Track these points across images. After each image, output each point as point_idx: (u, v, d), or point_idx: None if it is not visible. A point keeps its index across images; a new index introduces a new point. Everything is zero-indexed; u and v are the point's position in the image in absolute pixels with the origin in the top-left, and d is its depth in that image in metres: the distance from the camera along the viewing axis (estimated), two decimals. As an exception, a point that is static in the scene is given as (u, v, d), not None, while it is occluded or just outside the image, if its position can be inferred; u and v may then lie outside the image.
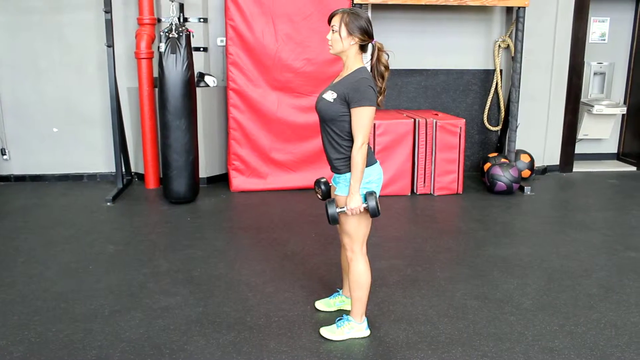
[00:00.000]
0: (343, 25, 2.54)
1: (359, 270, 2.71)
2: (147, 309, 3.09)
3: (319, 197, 2.90)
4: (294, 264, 3.71)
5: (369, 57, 2.65)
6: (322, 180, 2.90)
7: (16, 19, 5.52)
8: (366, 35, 2.58)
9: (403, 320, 2.99)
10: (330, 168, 2.72)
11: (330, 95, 2.58)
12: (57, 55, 5.64)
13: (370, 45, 2.64)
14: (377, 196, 2.63)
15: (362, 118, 2.51)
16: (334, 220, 2.62)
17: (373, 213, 2.60)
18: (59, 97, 5.73)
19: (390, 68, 2.68)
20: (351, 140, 2.57)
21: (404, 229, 4.51)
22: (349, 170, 2.60)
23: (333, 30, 2.58)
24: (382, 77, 2.64)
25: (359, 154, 2.51)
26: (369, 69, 2.64)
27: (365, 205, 2.59)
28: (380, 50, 2.64)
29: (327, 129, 2.63)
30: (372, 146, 5.17)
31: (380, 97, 2.64)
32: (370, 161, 2.64)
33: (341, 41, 2.56)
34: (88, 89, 5.74)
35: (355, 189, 2.56)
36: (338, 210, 2.62)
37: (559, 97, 6.27)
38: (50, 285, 3.37)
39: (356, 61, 2.61)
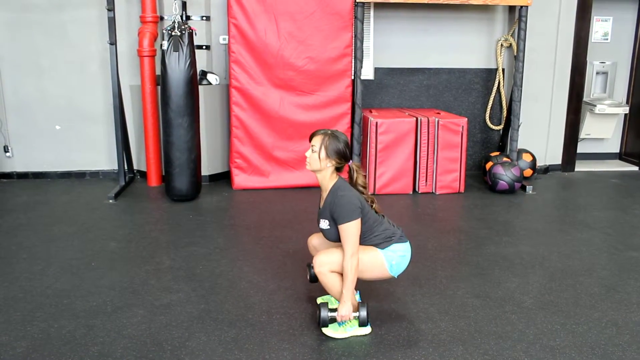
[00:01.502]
0: (323, 147, 2.73)
1: (329, 280, 2.75)
2: (149, 305, 3.10)
3: (308, 279, 3.06)
4: (296, 262, 3.72)
5: (348, 178, 2.85)
6: (312, 265, 3.00)
7: (19, 16, 5.53)
8: (343, 159, 2.77)
9: (404, 318, 3.00)
10: None
11: (325, 225, 2.78)
12: (60, 52, 5.65)
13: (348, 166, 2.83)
14: (404, 269, 2.82)
15: (348, 233, 2.67)
16: (325, 325, 2.74)
17: (362, 323, 2.75)
18: (62, 95, 5.74)
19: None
20: (366, 236, 2.74)
21: (405, 228, 4.47)
22: (386, 245, 2.76)
23: (313, 150, 2.75)
24: (362, 194, 2.81)
25: (348, 263, 2.65)
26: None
27: (356, 315, 2.73)
28: (357, 172, 2.83)
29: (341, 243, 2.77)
30: (373, 145, 5.21)
31: (374, 206, 2.84)
32: (400, 239, 2.83)
33: (319, 161, 2.74)
34: (90, 87, 5.75)
35: (347, 297, 2.68)
36: (330, 315, 2.72)
37: (561, 96, 6.27)
38: (52, 282, 3.38)
39: (331, 180, 2.80)
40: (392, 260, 2.78)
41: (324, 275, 2.73)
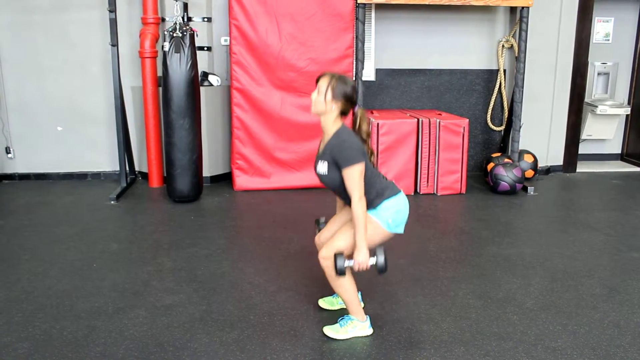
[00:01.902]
0: (330, 88, 2.62)
1: (334, 275, 2.71)
2: (150, 306, 3.10)
3: (317, 233, 3.00)
4: (297, 263, 3.72)
5: (352, 123, 2.75)
6: (321, 220, 2.99)
7: (21, 18, 5.54)
8: (349, 102, 2.65)
9: (406, 319, 3.00)
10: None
11: (323, 168, 2.67)
12: (62, 54, 5.66)
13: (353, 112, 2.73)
14: (404, 225, 2.72)
15: (353, 177, 2.57)
16: (342, 274, 2.63)
17: (381, 269, 2.62)
18: (63, 96, 5.75)
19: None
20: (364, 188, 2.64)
21: (407, 228, 4.47)
22: (377, 204, 2.67)
23: (319, 92, 2.65)
24: (364, 142, 2.72)
25: (358, 207, 2.56)
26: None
27: (373, 261, 2.60)
28: (362, 118, 2.72)
29: (340, 191, 2.70)
30: (375, 146, 5.21)
31: (371, 158, 2.75)
32: (393, 191, 2.71)
33: (325, 104, 2.63)
34: (92, 88, 5.76)
35: (361, 243, 2.58)
36: (346, 264, 2.62)
37: (562, 97, 6.27)
38: (54, 283, 3.39)
39: (335, 124, 2.68)
40: (387, 219, 2.69)
41: (330, 269, 2.68)
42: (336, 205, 3.03)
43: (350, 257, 2.65)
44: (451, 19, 5.95)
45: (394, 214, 2.70)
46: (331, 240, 2.73)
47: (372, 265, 2.62)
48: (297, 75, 5.37)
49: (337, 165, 2.61)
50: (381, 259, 2.60)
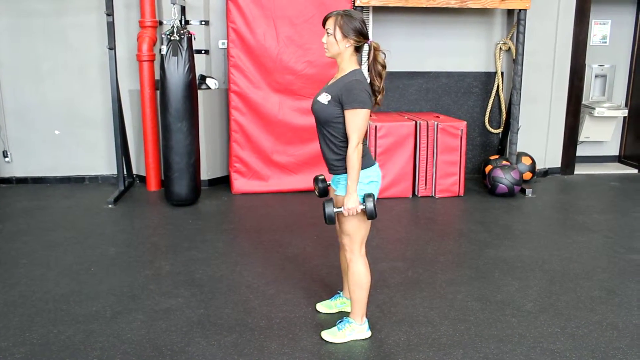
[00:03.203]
0: (337, 27, 2.55)
1: (358, 271, 2.71)
2: (148, 310, 3.09)
3: (316, 194, 2.93)
4: (295, 266, 3.71)
5: (366, 58, 2.65)
6: (320, 177, 2.93)
7: (18, 21, 5.54)
8: (361, 36, 2.58)
9: (404, 322, 2.99)
10: (328, 169, 2.72)
11: (324, 98, 2.59)
12: (59, 57, 5.66)
13: (366, 46, 2.64)
14: (376, 197, 2.63)
15: (356, 119, 2.51)
16: (331, 220, 2.61)
17: (370, 215, 2.59)
18: (61, 100, 5.74)
19: (390, 70, 2.69)
20: (347, 141, 2.57)
21: (405, 231, 4.51)
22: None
23: (328, 34, 2.58)
24: (380, 76, 2.64)
25: (354, 154, 2.51)
26: (366, 69, 2.64)
27: (363, 206, 2.58)
28: (376, 49, 2.64)
29: (324, 131, 2.64)
30: (373, 149, 5.21)
31: (379, 97, 2.65)
32: (368, 162, 2.65)
33: (337, 44, 2.56)
34: (90, 92, 5.75)
35: (352, 189, 2.55)
36: (335, 210, 2.61)
37: (560, 99, 6.27)
38: (51, 287, 3.38)
39: (351, 63, 2.62)
40: (362, 193, 2.60)
41: (353, 263, 2.70)
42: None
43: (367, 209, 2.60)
44: (449, 21, 5.96)
45: (366, 185, 2.64)
46: (342, 229, 2.72)
47: (362, 210, 2.60)
48: (295, 78, 5.37)
49: (340, 103, 2.54)
50: (370, 205, 2.57)
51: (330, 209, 2.59)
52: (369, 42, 2.64)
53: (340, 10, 2.60)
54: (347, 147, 2.57)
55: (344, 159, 2.61)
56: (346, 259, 2.75)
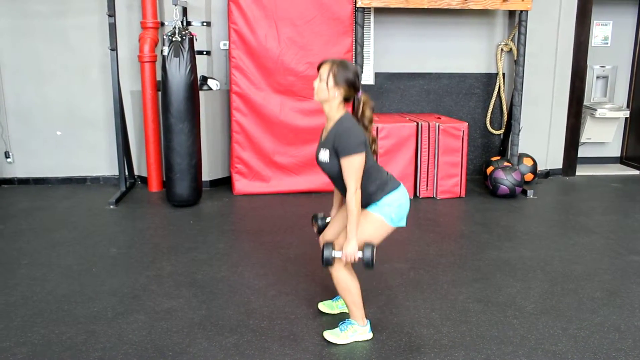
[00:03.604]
0: (331, 75, 2.59)
1: (343, 278, 2.71)
2: (150, 311, 3.09)
3: (315, 231, 3.00)
4: (297, 267, 3.71)
5: (355, 109, 2.72)
6: (319, 215, 2.98)
7: (20, 23, 5.55)
8: (352, 88, 2.62)
9: (406, 323, 2.99)
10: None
11: (325, 156, 2.64)
12: (61, 58, 5.66)
13: (355, 98, 2.69)
14: (405, 217, 2.69)
15: (351, 167, 2.55)
16: (328, 263, 2.63)
17: (367, 264, 2.60)
18: (63, 101, 5.75)
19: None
20: (365, 180, 2.61)
21: (406, 233, 4.49)
22: (378, 198, 2.65)
23: (320, 79, 2.62)
24: (367, 129, 2.69)
25: (352, 199, 2.55)
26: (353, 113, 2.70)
27: (360, 255, 2.60)
28: (365, 104, 2.69)
29: (338, 182, 2.68)
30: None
31: (374, 146, 2.72)
32: (393, 185, 2.70)
33: (327, 90, 2.60)
34: (91, 93, 5.76)
35: (352, 234, 2.57)
36: (334, 254, 2.62)
37: (561, 100, 6.27)
38: (53, 288, 3.38)
39: (338, 111, 2.65)
40: (390, 214, 2.66)
41: (336, 271, 2.68)
42: (333, 202, 3.00)
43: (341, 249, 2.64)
44: (450, 22, 5.96)
45: (396, 208, 2.68)
46: (337, 242, 2.71)
47: (359, 259, 2.61)
48: (297, 80, 5.37)
49: (337, 154, 2.58)
50: (368, 253, 2.58)
51: (329, 253, 2.61)
52: (359, 95, 2.68)
53: (337, 59, 2.65)
54: (366, 184, 2.62)
55: (368, 195, 2.64)
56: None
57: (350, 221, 2.56)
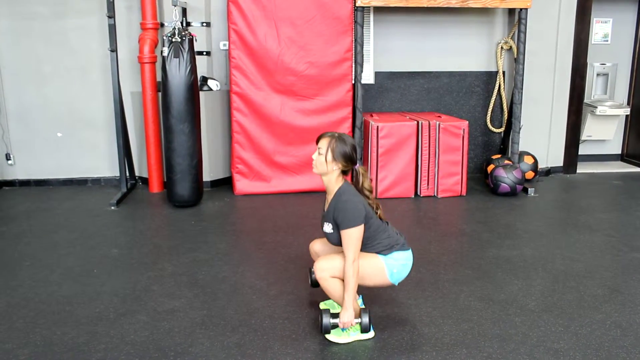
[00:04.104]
0: (330, 150, 2.69)
1: (333, 285, 2.73)
2: (151, 311, 3.10)
3: (310, 285, 3.11)
4: (298, 267, 3.71)
5: (354, 180, 2.83)
6: (313, 269, 3.00)
7: (20, 24, 5.55)
8: (349, 162, 2.73)
9: (407, 321, 2.99)
10: None
11: (329, 228, 2.76)
12: (61, 60, 5.67)
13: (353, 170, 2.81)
14: (405, 276, 2.81)
15: (350, 238, 2.65)
16: (327, 331, 2.73)
17: (364, 329, 2.72)
18: (63, 102, 5.75)
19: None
20: (371, 243, 2.72)
21: (407, 231, 4.49)
22: (388, 251, 2.75)
23: (319, 152, 2.72)
24: (367, 198, 2.79)
25: (350, 269, 2.63)
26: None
27: (358, 321, 2.71)
28: (363, 175, 2.79)
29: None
30: (375, 149, 5.21)
31: (379, 212, 2.82)
32: (404, 247, 2.82)
33: (326, 164, 2.71)
34: (92, 94, 5.76)
35: (348, 304, 2.66)
36: (332, 321, 2.71)
37: (562, 98, 6.27)
38: (55, 289, 3.38)
39: (337, 183, 2.76)
40: (393, 268, 2.77)
41: (325, 280, 2.72)
42: None
43: (336, 315, 2.73)
44: (450, 21, 5.96)
45: (400, 266, 2.78)
46: (332, 257, 2.75)
47: (356, 324, 2.72)
48: (297, 79, 5.37)
49: (337, 226, 2.69)
50: (365, 319, 2.71)
51: (327, 320, 2.71)
52: (355, 167, 2.78)
53: (336, 133, 2.76)
54: (372, 246, 2.73)
55: (375, 249, 2.74)
56: (316, 276, 2.76)
57: (347, 291, 2.65)
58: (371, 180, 2.87)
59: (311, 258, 3.14)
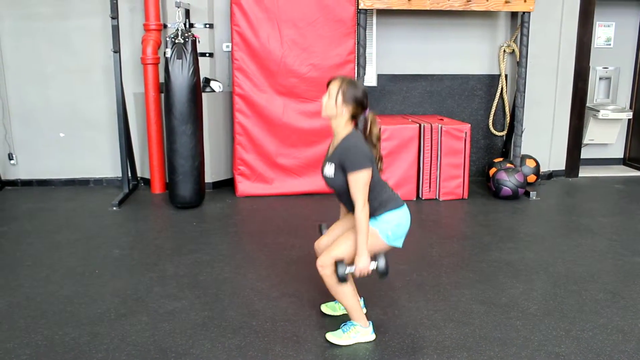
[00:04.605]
0: (340, 92, 2.62)
1: (334, 282, 2.70)
2: (153, 312, 3.10)
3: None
4: (300, 269, 3.71)
5: (362, 126, 2.73)
6: (323, 225, 3.00)
7: (23, 25, 5.57)
8: (360, 106, 2.65)
9: (409, 324, 2.99)
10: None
11: (330, 170, 2.67)
12: (64, 60, 5.68)
13: (362, 117, 2.71)
14: (403, 238, 2.74)
15: (358, 182, 2.57)
16: (343, 280, 2.63)
17: (382, 274, 2.63)
18: (66, 102, 5.76)
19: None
20: (369, 195, 2.62)
21: (409, 234, 4.48)
22: (379, 214, 2.67)
23: (329, 95, 2.65)
24: (375, 147, 2.72)
25: (361, 215, 2.57)
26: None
27: (374, 266, 2.61)
28: (372, 123, 2.72)
29: (344, 196, 2.69)
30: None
31: (380, 165, 2.75)
32: (396, 204, 2.72)
33: (335, 107, 2.63)
34: (94, 94, 5.77)
35: (362, 250, 2.59)
36: (347, 270, 2.62)
37: (564, 102, 6.26)
38: (56, 289, 3.39)
39: (346, 128, 2.68)
40: (387, 231, 2.69)
41: (328, 277, 2.68)
42: (340, 210, 3.02)
43: (351, 263, 2.65)
44: (452, 24, 5.96)
45: (394, 227, 2.71)
46: (330, 248, 2.73)
47: (373, 270, 2.63)
48: (299, 81, 5.37)
49: (343, 169, 2.61)
50: (382, 263, 2.61)
51: (342, 270, 2.61)
52: (366, 113, 2.70)
53: (347, 77, 2.68)
54: (370, 199, 2.63)
55: (372, 208, 2.65)
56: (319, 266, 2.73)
57: (360, 236, 2.58)
58: (380, 128, 2.76)
59: (314, 259, 3.13)
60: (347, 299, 2.76)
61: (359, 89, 2.64)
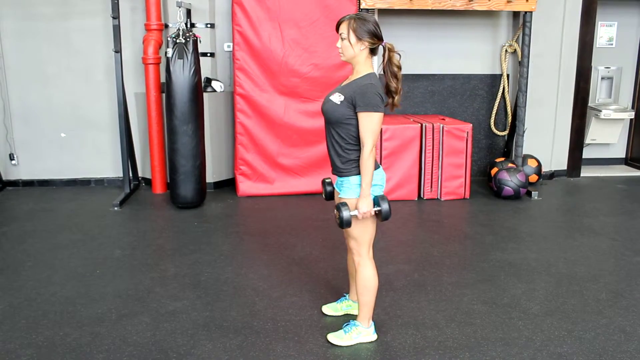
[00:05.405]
0: (351, 31, 2.55)
1: (367, 275, 2.71)
2: (154, 313, 3.10)
3: (324, 197, 2.96)
4: (301, 269, 3.71)
5: (381, 60, 2.65)
6: (328, 180, 2.94)
7: (24, 25, 5.57)
8: (375, 38, 2.58)
9: (410, 324, 2.98)
10: (332, 170, 2.72)
11: (337, 98, 2.59)
12: (65, 60, 5.68)
13: (380, 47, 2.64)
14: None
15: (371, 123, 2.51)
16: (348, 224, 2.59)
17: (385, 216, 2.60)
18: (67, 103, 5.76)
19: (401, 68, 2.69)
20: (355, 144, 2.58)
21: (411, 234, 4.49)
22: (352, 174, 2.61)
23: (342, 38, 2.59)
24: (396, 77, 2.65)
25: (369, 158, 2.52)
26: (380, 71, 2.66)
27: (377, 208, 2.59)
28: (391, 51, 2.64)
29: (332, 132, 2.64)
30: (378, 151, 5.20)
31: (396, 97, 2.67)
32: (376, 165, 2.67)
33: (351, 47, 2.57)
34: (95, 94, 5.77)
35: (366, 192, 2.56)
36: (351, 214, 2.59)
37: (566, 101, 6.25)
38: (57, 290, 3.39)
39: (366, 66, 2.62)
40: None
41: (362, 267, 2.71)
42: None
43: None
44: (454, 24, 5.95)
45: (375, 189, 2.65)
46: (351, 239, 2.73)
47: (376, 213, 2.61)
48: (301, 81, 5.37)
49: (353, 104, 2.54)
50: (385, 205, 2.58)
51: (347, 213, 2.57)
52: (383, 43, 2.63)
53: (353, 14, 2.60)
54: (353, 149, 2.59)
55: (350, 161, 2.61)
56: (354, 262, 2.74)
57: (365, 179, 2.54)
58: (400, 56, 2.67)
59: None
60: (370, 295, 2.74)
61: (369, 22, 2.56)
